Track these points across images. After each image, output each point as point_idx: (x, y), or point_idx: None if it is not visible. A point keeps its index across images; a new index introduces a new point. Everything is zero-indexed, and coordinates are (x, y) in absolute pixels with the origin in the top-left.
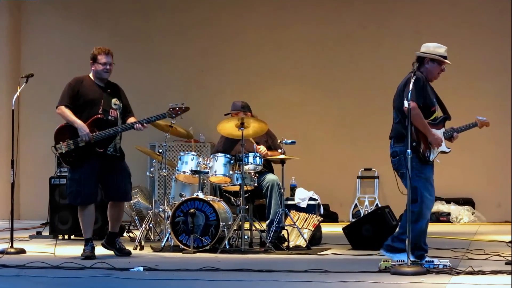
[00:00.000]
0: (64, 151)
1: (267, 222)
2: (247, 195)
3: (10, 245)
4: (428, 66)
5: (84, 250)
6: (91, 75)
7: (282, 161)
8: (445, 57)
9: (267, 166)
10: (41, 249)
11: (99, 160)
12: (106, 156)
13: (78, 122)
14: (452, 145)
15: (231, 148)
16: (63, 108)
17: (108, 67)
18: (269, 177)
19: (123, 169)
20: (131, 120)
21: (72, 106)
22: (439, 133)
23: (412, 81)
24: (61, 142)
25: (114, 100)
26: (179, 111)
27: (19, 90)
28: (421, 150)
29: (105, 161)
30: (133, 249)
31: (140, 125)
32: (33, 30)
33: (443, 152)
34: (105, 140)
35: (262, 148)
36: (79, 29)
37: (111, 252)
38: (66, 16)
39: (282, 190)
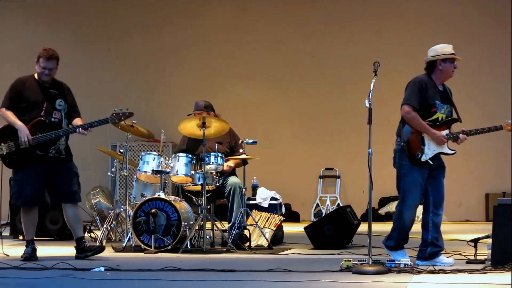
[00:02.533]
0: (4, 153)
1: (229, 224)
2: (208, 195)
3: None
4: (441, 67)
5: (24, 251)
6: (35, 75)
7: (244, 161)
8: (453, 54)
9: None
10: (2, 248)
11: (42, 162)
12: (47, 158)
13: (18, 124)
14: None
15: (195, 147)
16: (4, 110)
17: (46, 71)
18: (232, 179)
19: (69, 170)
20: (76, 121)
21: (14, 108)
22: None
23: (409, 85)
24: (1, 144)
25: (58, 101)
26: (122, 116)
27: None
28: (407, 151)
29: (48, 163)
30: None
31: (82, 129)
32: None
33: (444, 153)
34: (47, 143)
35: (225, 166)
36: (41, 30)
37: (71, 253)
38: (28, 17)
39: (243, 190)
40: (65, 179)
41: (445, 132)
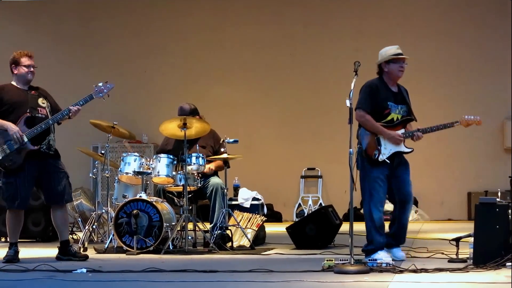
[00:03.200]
0: (0, 157)
1: (211, 225)
2: (190, 195)
3: None
4: (387, 69)
5: (7, 253)
6: (13, 82)
7: (226, 163)
8: (399, 54)
9: None
10: None
11: (33, 161)
12: (39, 154)
13: (6, 123)
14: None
15: (179, 148)
16: None
17: (31, 69)
18: (214, 180)
19: (60, 170)
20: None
21: None
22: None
23: (361, 90)
24: None
25: (40, 100)
26: (105, 89)
27: None
28: (364, 153)
29: (40, 162)
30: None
31: (75, 107)
32: None
33: (402, 152)
34: (38, 137)
35: (207, 169)
36: (21, 30)
37: (53, 254)
38: (6, 18)
39: (225, 190)
40: (54, 179)
41: (400, 131)
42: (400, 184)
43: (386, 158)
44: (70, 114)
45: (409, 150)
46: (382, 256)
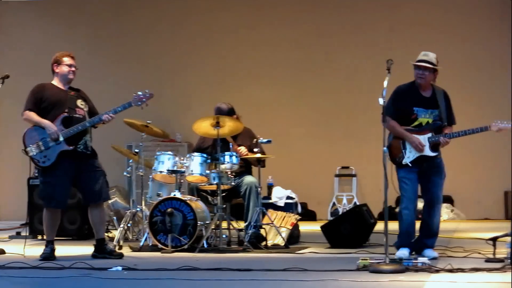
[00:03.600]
0: (35, 153)
1: (245, 224)
2: (224, 194)
3: None
4: (414, 74)
5: (43, 251)
6: (54, 82)
7: (259, 160)
8: (419, 61)
9: (246, 167)
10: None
11: (70, 160)
12: (76, 154)
13: (44, 122)
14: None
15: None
16: (27, 112)
17: (73, 69)
18: (247, 179)
19: (97, 168)
20: None
21: (37, 110)
22: (421, 138)
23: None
24: (30, 145)
25: (79, 101)
26: (144, 98)
27: None
28: (389, 155)
29: (77, 161)
30: None
31: (108, 116)
32: (11, 30)
33: (427, 156)
34: (75, 137)
35: (243, 149)
36: (56, 29)
37: (89, 252)
38: (43, 15)
39: (259, 189)
40: (91, 178)
41: (425, 136)
42: (429, 185)
43: (410, 162)
44: (103, 122)
45: (434, 154)
46: (401, 254)
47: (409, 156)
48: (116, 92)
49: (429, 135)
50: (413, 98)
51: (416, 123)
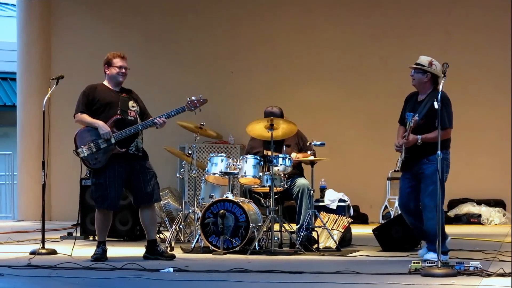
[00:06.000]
0: (86, 154)
1: (297, 226)
2: (276, 196)
3: (41, 246)
4: None
5: (95, 251)
6: (105, 82)
7: (312, 163)
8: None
9: (298, 169)
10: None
11: (122, 162)
12: (128, 156)
13: (98, 122)
14: (483, 146)
15: (267, 149)
16: (79, 114)
17: (123, 70)
18: (300, 181)
19: (148, 170)
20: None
21: (89, 112)
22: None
23: None
24: (82, 146)
25: (131, 103)
26: (198, 103)
27: (49, 92)
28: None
29: (128, 163)
30: None
31: (160, 120)
32: (64, 31)
33: (402, 160)
34: (126, 140)
35: (293, 155)
36: (109, 30)
37: (141, 253)
38: (96, 16)
39: (312, 192)
40: (143, 180)
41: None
42: (419, 192)
43: (399, 167)
44: (156, 126)
45: (402, 157)
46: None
47: (398, 161)
48: (168, 95)
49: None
50: (410, 104)
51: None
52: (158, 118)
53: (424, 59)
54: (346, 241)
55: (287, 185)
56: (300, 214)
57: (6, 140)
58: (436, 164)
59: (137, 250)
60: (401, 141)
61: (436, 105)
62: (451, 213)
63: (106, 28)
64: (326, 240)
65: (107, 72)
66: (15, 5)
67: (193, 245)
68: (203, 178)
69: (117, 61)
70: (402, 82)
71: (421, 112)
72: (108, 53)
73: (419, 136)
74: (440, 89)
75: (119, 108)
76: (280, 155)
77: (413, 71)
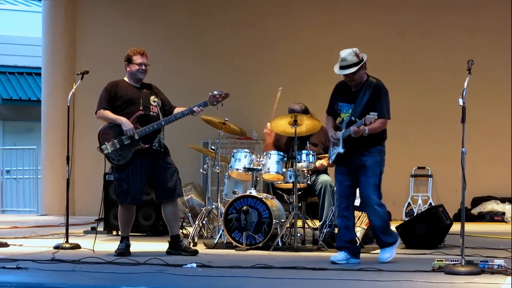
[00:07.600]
0: (110, 151)
1: (320, 223)
2: (300, 192)
3: (65, 240)
4: None
5: (118, 246)
6: (125, 78)
7: None
8: (341, 68)
9: None
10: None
11: (145, 158)
12: (151, 152)
13: (121, 119)
14: (507, 144)
15: (289, 145)
16: (102, 111)
17: (143, 67)
18: (323, 178)
19: (170, 165)
20: (177, 110)
21: (112, 108)
22: (338, 135)
23: None
24: (106, 143)
25: (152, 98)
26: (220, 98)
27: (74, 87)
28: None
29: (151, 158)
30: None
31: (199, 108)
32: (89, 26)
33: (339, 153)
34: (150, 136)
35: (317, 163)
36: (134, 25)
37: (164, 249)
38: (121, 12)
39: (334, 188)
40: (165, 175)
41: (340, 132)
42: (360, 186)
43: (334, 161)
44: (195, 114)
45: (341, 150)
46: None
47: (334, 152)
48: (191, 89)
49: (343, 131)
50: (342, 93)
51: (339, 119)
52: (196, 107)
53: (349, 58)
54: (369, 238)
55: (310, 181)
56: (323, 211)
57: (31, 135)
58: (376, 156)
59: (160, 246)
60: (358, 133)
61: (460, 101)
62: (475, 211)
63: (131, 23)
64: None
65: (127, 69)
66: (40, 0)
67: (216, 241)
68: (227, 173)
69: (137, 58)
70: (425, 80)
71: (360, 104)
72: (129, 50)
73: (367, 128)
74: (466, 86)
75: (142, 104)
76: (304, 151)
77: (350, 75)
